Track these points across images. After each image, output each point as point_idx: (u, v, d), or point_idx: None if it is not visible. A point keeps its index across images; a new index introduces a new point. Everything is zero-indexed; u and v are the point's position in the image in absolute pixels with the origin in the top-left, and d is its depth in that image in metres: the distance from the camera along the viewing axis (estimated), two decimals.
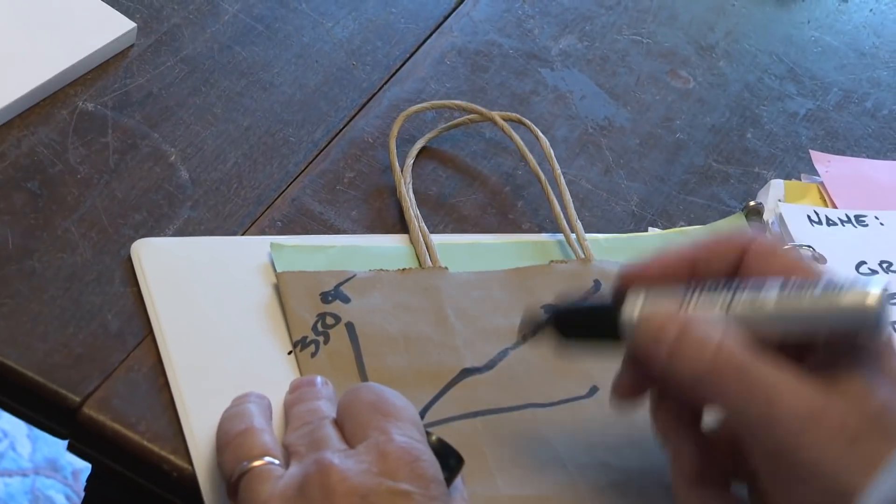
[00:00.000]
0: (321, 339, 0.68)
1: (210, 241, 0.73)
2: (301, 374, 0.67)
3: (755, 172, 0.89)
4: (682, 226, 0.83)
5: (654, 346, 0.59)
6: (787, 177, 0.89)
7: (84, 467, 0.74)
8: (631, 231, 0.82)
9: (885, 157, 0.94)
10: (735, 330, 0.58)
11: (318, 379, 0.64)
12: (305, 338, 0.68)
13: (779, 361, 0.58)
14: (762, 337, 0.59)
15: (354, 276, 0.71)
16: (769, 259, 0.61)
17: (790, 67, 0.99)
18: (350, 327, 0.69)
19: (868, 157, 0.93)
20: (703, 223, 0.84)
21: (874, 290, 0.57)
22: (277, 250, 0.71)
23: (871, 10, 1.07)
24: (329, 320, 0.69)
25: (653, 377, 0.62)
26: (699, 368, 0.58)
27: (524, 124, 0.83)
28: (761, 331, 0.59)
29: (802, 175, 0.89)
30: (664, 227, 0.83)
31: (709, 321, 0.59)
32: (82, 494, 0.76)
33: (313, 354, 0.67)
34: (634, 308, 0.60)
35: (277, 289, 0.70)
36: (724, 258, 0.61)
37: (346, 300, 0.70)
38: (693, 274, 0.61)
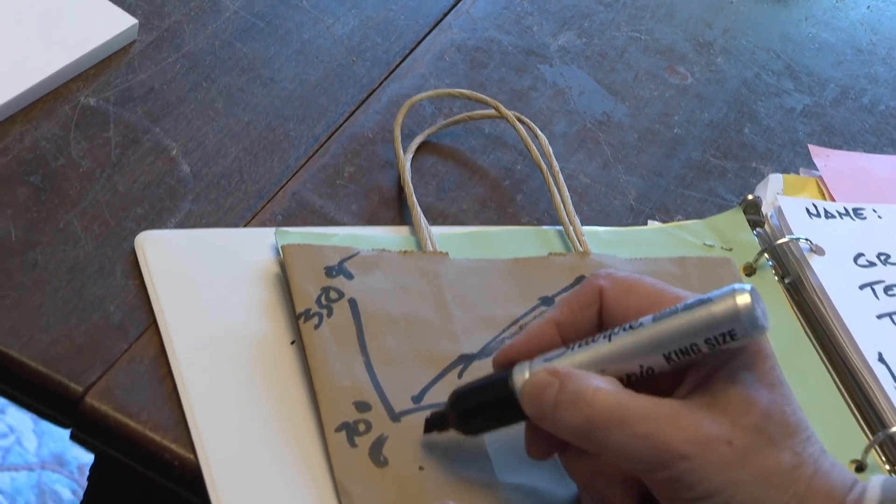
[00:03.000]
0: (324, 311, 0.69)
1: (213, 232, 0.74)
2: (305, 344, 0.67)
3: (752, 167, 0.90)
4: (679, 220, 0.84)
5: (538, 409, 0.60)
6: (784, 171, 0.89)
7: (90, 462, 0.74)
8: (629, 225, 0.83)
9: (882, 152, 0.94)
10: (610, 375, 0.59)
11: None
12: (309, 310, 0.69)
13: (657, 397, 0.58)
14: (647, 369, 0.59)
15: (358, 253, 0.72)
16: (627, 296, 0.61)
17: (787, 64, 0.99)
18: (353, 303, 0.69)
19: (865, 151, 0.94)
20: (701, 217, 0.84)
21: (742, 290, 0.57)
22: (282, 235, 0.72)
23: (868, 6, 1.07)
24: (332, 294, 0.70)
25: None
26: (580, 421, 0.58)
27: (523, 122, 0.83)
28: (642, 363, 0.59)
29: (801, 169, 0.90)
30: (663, 221, 0.83)
31: (584, 373, 0.59)
32: None
33: (316, 326, 0.68)
34: (521, 377, 0.61)
35: (282, 265, 0.71)
36: (586, 311, 0.61)
37: (350, 276, 0.71)
38: (564, 336, 0.61)
